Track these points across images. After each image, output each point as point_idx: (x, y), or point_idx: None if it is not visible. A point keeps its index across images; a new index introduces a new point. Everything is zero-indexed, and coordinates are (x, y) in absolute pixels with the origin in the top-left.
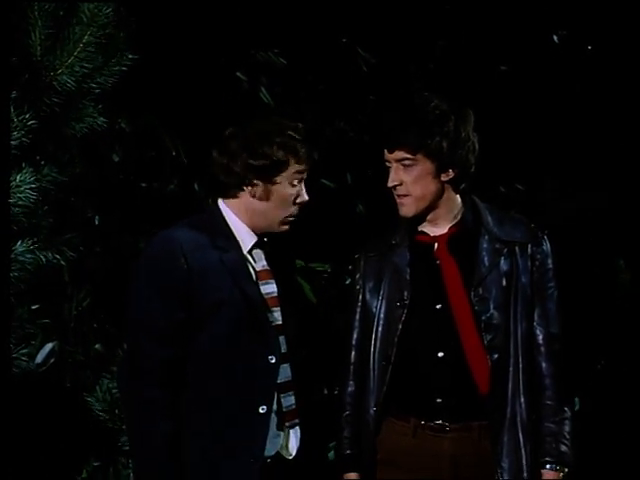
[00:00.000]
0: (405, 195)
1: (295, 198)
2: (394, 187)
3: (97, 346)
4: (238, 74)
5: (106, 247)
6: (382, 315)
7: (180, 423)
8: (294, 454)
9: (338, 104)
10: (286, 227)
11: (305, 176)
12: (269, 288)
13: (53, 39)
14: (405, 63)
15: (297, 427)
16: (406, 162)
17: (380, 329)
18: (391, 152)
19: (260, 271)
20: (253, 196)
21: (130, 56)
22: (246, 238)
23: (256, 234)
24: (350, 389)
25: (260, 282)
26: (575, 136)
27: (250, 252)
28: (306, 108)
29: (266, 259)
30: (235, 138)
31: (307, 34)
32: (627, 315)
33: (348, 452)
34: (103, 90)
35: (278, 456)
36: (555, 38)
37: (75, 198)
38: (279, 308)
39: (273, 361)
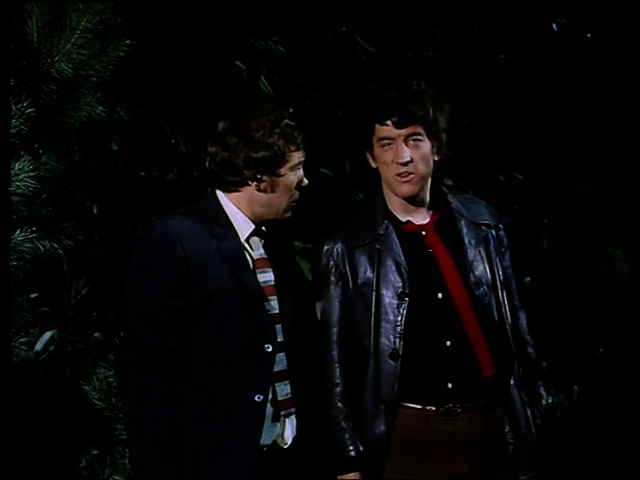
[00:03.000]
0: (411, 173)
1: (298, 184)
2: (404, 164)
3: (96, 334)
4: (237, 62)
5: (105, 236)
6: (382, 307)
7: (177, 411)
8: (290, 443)
9: (337, 93)
10: (289, 213)
11: (304, 162)
12: (266, 277)
13: (50, 26)
14: (404, 52)
15: (293, 416)
16: (416, 137)
17: (381, 322)
18: (401, 127)
19: (257, 259)
20: (258, 190)
21: (128, 41)
22: (244, 226)
23: (254, 222)
24: (339, 389)
25: (257, 270)
26: (575, 125)
27: (247, 240)
28: (305, 97)
29: (263, 247)
30: (232, 131)
31: (306, 23)
32: (625, 303)
33: (352, 454)
34: (101, 78)
35: (274, 445)
36: (554, 26)
37: (74, 187)
38: (276, 297)
39: (269, 350)
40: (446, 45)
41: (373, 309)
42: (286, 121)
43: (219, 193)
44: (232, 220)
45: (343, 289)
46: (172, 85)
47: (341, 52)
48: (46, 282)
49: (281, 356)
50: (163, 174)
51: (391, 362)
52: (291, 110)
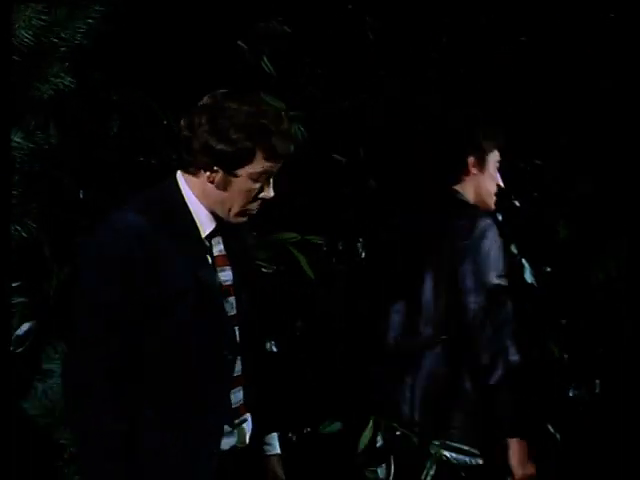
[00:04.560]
0: None
1: (257, 193)
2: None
3: None
4: (239, 43)
5: (92, 221)
6: None
7: (133, 420)
8: (247, 442)
9: (344, 79)
10: (243, 219)
11: (274, 173)
12: (225, 275)
13: None
14: (416, 31)
15: (249, 420)
16: None
17: None
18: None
19: (217, 257)
20: (210, 182)
21: (97, 8)
22: (205, 222)
23: (215, 219)
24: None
25: (217, 269)
26: (575, 124)
27: (208, 237)
28: (310, 82)
29: (223, 243)
30: (204, 110)
31: (311, 1)
32: (629, 299)
33: None
34: (69, 47)
35: (232, 448)
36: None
37: (53, 169)
38: (234, 297)
39: (230, 357)
40: (447, 43)
41: None
42: (263, 121)
43: (180, 179)
44: (193, 214)
45: None
46: (171, 66)
47: (348, 32)
48: (26, 270)
49: (237, 361)
50: (157, 160)
51: None
52: (284, 113)
